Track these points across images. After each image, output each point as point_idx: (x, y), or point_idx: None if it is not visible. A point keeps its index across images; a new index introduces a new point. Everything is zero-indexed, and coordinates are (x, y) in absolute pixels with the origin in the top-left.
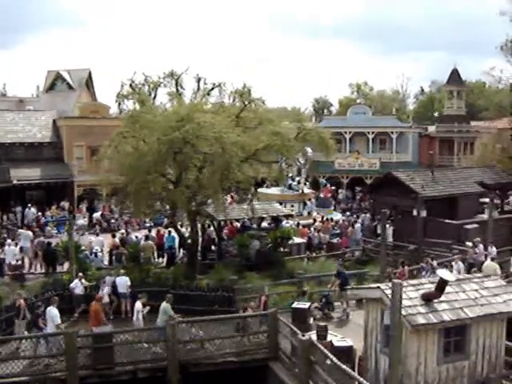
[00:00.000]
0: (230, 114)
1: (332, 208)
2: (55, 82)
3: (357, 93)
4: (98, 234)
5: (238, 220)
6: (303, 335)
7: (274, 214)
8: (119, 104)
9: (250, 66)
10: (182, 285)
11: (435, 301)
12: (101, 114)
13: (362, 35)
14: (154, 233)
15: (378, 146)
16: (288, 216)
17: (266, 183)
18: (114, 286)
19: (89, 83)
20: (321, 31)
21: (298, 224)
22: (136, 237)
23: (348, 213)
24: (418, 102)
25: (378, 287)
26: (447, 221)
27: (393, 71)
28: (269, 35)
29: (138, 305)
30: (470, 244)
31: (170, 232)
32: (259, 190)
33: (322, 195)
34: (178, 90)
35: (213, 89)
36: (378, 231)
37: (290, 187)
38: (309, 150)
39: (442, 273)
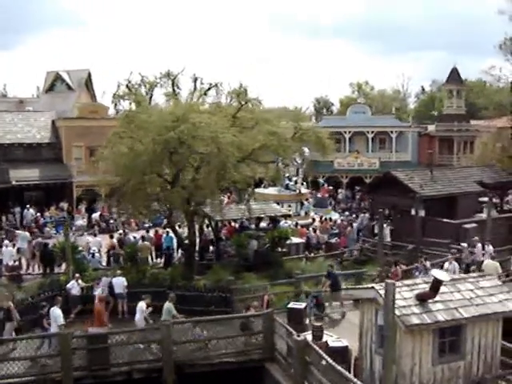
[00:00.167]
0: (226, 114)
1: (330, 208)
2: (55, 82)
3: (357, 92)
4: (95, 235)
5: (235, 220)
6: (298, 335)
7: (272, 214)
8: (115, 104)
9: (250, 66)
10: (179, 285)
11: (430, 301)
12: (100, 115)
13: (362, 35)
14: (152, 233)
15: (378, 146)
16: (286, 216)
17: (263, 183)
18: (110, 287)
19: (88, 84)
20: (321, 31)
21: (297, 224)
22: (134, 237)
23: (347, 212)
24: (419, 101)
25: (372, 287)
26: (446, 220)
27: (393, 71)
28: (269, 35)
29: (142, 305)
30: (465, 245)
31: (168, 232)
32: (256, 190)
33: (319, 195)
34: (174, 90)
35: (209, 89)
36: (376, 231)
37: (287, 187)
38: (306, 149)
39: (437, 273)
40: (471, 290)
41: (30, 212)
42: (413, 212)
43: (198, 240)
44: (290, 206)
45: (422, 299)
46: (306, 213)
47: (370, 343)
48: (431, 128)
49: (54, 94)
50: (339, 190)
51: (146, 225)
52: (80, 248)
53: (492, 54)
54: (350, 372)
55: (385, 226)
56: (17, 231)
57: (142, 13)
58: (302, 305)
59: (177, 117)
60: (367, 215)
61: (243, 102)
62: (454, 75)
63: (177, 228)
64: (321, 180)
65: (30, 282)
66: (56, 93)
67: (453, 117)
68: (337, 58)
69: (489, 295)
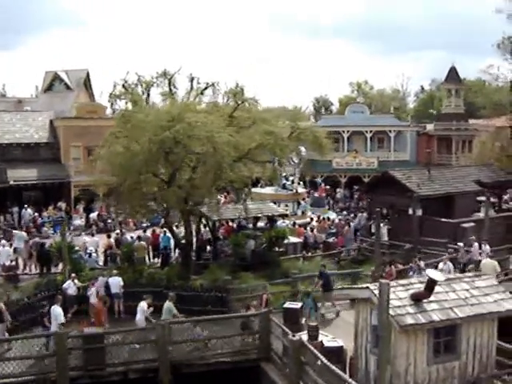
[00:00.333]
0: (223, 113)
1: (327, 207)
2: (53, 82)
3: (357, 92)
4: (93, 235)
5: (233, 220)
6: (293, 335)
7: (269, 214)
8: (111, 104)
9: (250, 66)
10: (175, 285)
11: (425, 301)
12: (98, 115)
13: (362, 35)
14: (149, 233)
15: (376, 145)
16: (284, 216)
17: (260, 183)
18: (107, 287)
19: (87, 83)
20: (321, 31)
21: (294, 223)
22: (131, 237)
23: (345, 212)
24: (418, 100)
25: (367, 287)
26: (444, 219)
27: (393, 71)
28: (269, 35)
29: (143, 305)
30: (461, 244)
31: (165, 232)
32: (253, 189)
33: (316, 194)
34: (170, 89)
35: (206, 88)
36: (373, 230)
37: (284, 187)
38: (302, 149)
39: (431, 273)
40: (466, 290)
41: (28, 212)
42: (410, 211)
43: (195, 240)
44: (286, 206)
45: (417, 299)
46: (302, 212)
47: (365, 343)
48: (430, 127)
49: (52, 94)
50: (337, 190)
51: (144, 224)
52: (77, 248)
53: (491, 53)
54: (345, 372)
55: (382, 225)
56: (14, 231)
57: (141, 13)
58: (297, 305)
59: (172, 116)
60: (365, 215)
61: (240, 102)
62: (453, 74)
63: (174, 228)
64: (318, 179)
65: (27, 282)
66: (54, 92)
67: (451, 116)
68: (337, 57)
69: (484, 295)
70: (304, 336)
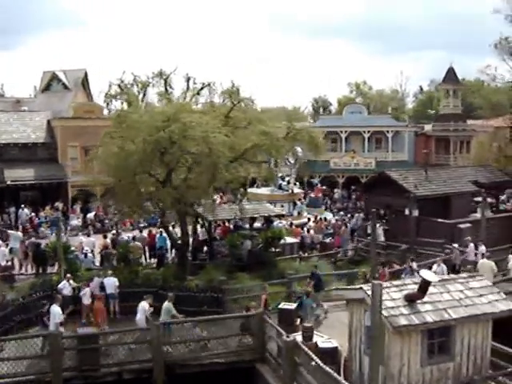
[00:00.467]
0: (219, 113)
1: (323, 208)
2: (51, 82)
3: (355, 92)
4: (89, 235)
5: (229, 220)
6: (288, 336)
7: (266, 214)
8: (107, 104)
9: (250, 66)
10: (171, 286)
11: (418, 302)
12: (95, 114)
13: (361, 35)
14: (145, 233)
15: (374, 146)
16: (281, 216)
17: (256, 183)
18: (102, 287)
19: (85, 83)
20: (321, 31)
21: (292, 224)
22: (128, 237)
23: (342, 212)
24: (417, 100)
25: (361, 288)
26: (440, 220)
27: (393, 71)
28: (269, 35)
29: (144, 305)
30: (456, 245)
31: (161, 232)
32: (249, 190)
33: (312, 195)
34: (166, 89)
35: (202, 88)
36: (369, 231)
37: (280, 187)
38: (299, 149)
39: (425, 273)
40: (461, 291)
41: (25, 212)
42: (406, 212)
43: (191, 240)
44: (282, 206)
45: (411, 300)
46: (298, 213)
47: (359, 344)
48: (428, 128)
49: (50, 94)
50: (335, 190)
51: (141, 225)
52: (73, 248)
53: (490, 53)
54: (339, 373)
55: (378, 225)
56: (9, 231)
57: (141, 13)
58: (292, 305)
59: (167, 116)
60: (362, 215)
61: (235, 102)
62: (451, 75)
63: (171, 228)
64: (314, 180)
65: (23, 283)
66: (52, 92)
67: (449, 116)
68: (337, 57)
69: (478, 296)
70: (299, 337)
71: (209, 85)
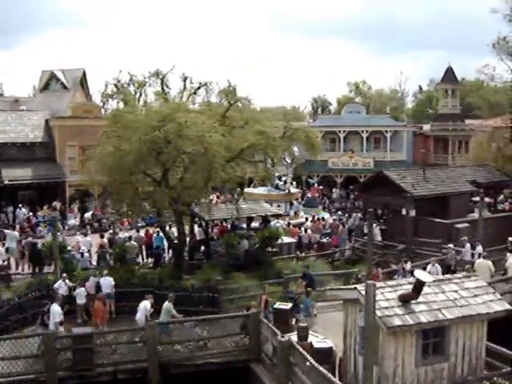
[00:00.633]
0: (216, 113)
1: (320, 207)
2: (49, 81)
3: (355, 92)
4: (85, 235)
5: (225, 220)
6: (283, 336)
7: (263, 214)
8: (103, 104)
9: (250, 66)
10: (166, 285)
11: (413, 302)
12: (93, 114)
13: (362, 35)
14: (142, 233)
15: (373, 145)
16: (279, 216)
17: (253, 183)
18: (98, 287)
19: (83, 83)
20: (321, 31)
21: (289, 224)
22: (125, 236)
23: (339, 212)
24: (417, 100)
25: (355, 288)
26: (438, 220)
27: (393, 70)
28: (269, 35)
29: (146, 304)
30: (451, 245)
31: (158, 232)
32: (246, 189)
33: (309, 195)
34: (163, 89)
35: (199, 88)
36: (365, 231)
37: (276, 187)
38: (295, 149)
39: (419, 274)
40: (455, 291)
41: (23, 211)
42: (404, 212)
43: (188, 239)
44: (279, 206)
45: (405, 300)
46: (295, 213)
47: (354, 344)
48: (426, 127)
49: (49, 93)
50: (334, 190)
51: (139, 224)
52: (69, 248)
53: (490, 52)
54: (334, 373)
55: (374, 225)
56: (6, 231)
57: (142, 13)
58: (288, 305)
59: (163, 116)
60: (359, 215)
61: (232, 102)
62: (449, 75)
63: (168, 228)
64: (310, 180)
65: (19, 282)
66: (51, 92)
67: (448, 116)
68: (337, 57)
69: (473, 296)
70: (294, 337)
71: (205, 84)
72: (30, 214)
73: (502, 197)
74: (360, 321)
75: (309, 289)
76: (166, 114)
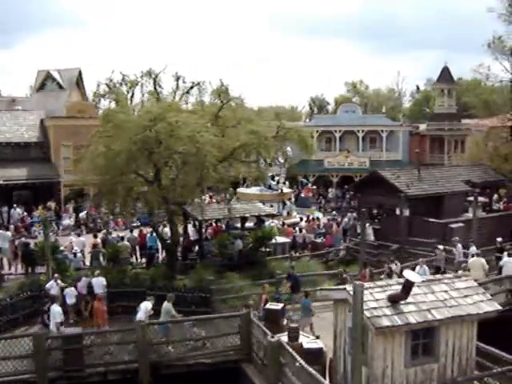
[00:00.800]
0: (208, 112)
1: (313, 207)
2: (45, 81)
3: (352, 91)
4: (79, 235)
5: (219, 220)
6: (272, 336)
7: (256, 214)
8: (96, 103)
9: (250, 66)
10: (159, 286)
11: (402, 302)
12: (88, 114)
13: (361, 35)
14: (136, 233)
15: (368, 145)
16: (273, 216)
17: (246, 182)
18: (90, 287)
19: (79, 82)
20: (321, 31)
21: (284, 223)
22: (118, 236)
23: (334, 212)
24: (414, 100)
25: (344, 288)
26: (432, 220)
27: (392, 70)
28: (269, 35)
29: (147, 304)
30: (441, 247)
31: (152, 232)
32: (238, 189)
33: (302, 194)
34: (155, 88)
35: (192, 87)
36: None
37: (269, 187)
38: (288, 149)
39: (408, 274)
40: (445, 292)
41: (17, 211)
42: (398, 211)
43: (182, 239)
44: (271, 206)
45: (394, 300)
46: (288, 213)
47: (344, 345)
48: (422, 127)
49: (45, 93)
50: (329, 190)
51: (134, 224)
52: (62, 248)
53: (485, 52)
54: (324, 374)
55: (367, 225)
56: None
57: (142, 13)
58: (279, 305)
59: (154, 116)
60: (354, 214)
61: (225, 101)
62: (445, 74)
63: (162, 228)
64: (303, 179)
65: (12, 283)
66: (47, 92)
67: (444, 116)
68: (337, 57)
69: (463, 296)
70: (285, 337)
71: (198, 84)
72: (25, 213)
73: (495, 196)
74: (348, 321)
75: (306, 289)
76: (157, 114)
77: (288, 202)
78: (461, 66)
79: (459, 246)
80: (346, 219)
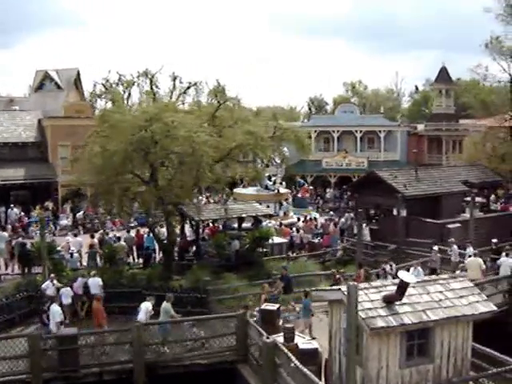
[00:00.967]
0: (205, 113)
1: (310, 208)
2: (43, 81)
3: (351, 91)
4: (76, 235)
5: (216, 220)
6: (268, 337)
7: (253, 214)
8: (92, 103)
9: (250, 66)
10: (155, 286)
11: (397, 303)
12: (86, 114)
13: (361, 35)
14: (133, 233)
15: (366, 145)
16: (270, 216)
17: (243, 183)
18: (86, 287)
19: (77, 83)
20: (321, 31)
21: (281, 224)
22: (114, 236)
23: (331, 212)
24: (413, 100)
25: (339, 289)
26: (429, 220)
27: (392, 70)
28: (269, 35)
29: (148, 305)
30: (436, 248)
31: (149, 233)
32: (235, 190)
33: (299, 195)
34: (152, 88)
35: (189, 88)
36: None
37: (266, 187)
38: (285, 149)
39: (403, 275)
40: (441, 292)
41: (14, 211)
42: (395, 212)
43: (179, 240)
44: (268, 206)
45: (389, 301)
46: (284, 213)
47: (339, 345)
48: (420, 127)
49: (43, 93)
50: (327, 190)
51: (132, 224)
52: (59, 248)
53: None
54: (320, 374)
55: (364, 225)
56: None
57: (142, 13)
58: (274, 306)
59: (150, 116)
60: (351, 215)
61: (221, 101)
62: (443, 74)
63: (159, 228)
64: (300, 180)
65: (8, 283)
66: (45, 92)
67: (442, 116)
68: (337, 57)
69: (458, 297)
70: (280, 338)
71: (195, 84)
72: (22, 213)
73: (493, 197)
74: (342, 322)
75: (306, 289)
76: (152, 114)
77: (284, 203)
78: (460, 67)
79: (455, 247)
80: (342, 219)
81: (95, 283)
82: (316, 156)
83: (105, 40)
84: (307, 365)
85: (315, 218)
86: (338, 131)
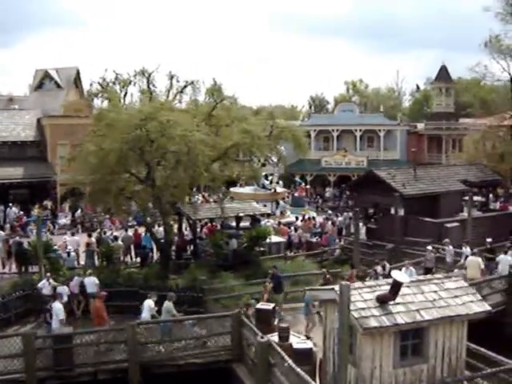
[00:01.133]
0: (202, 112)
1: (307, 207)
2: (43, 80)
3: (352, 90)
4: (73, 234)
5: (213, 219)
6: (262, 337)
7: (251, 213)
8: (89, 102)
9: (250, 66)
10: (151, 285)
11: (391, 303)
12: (85, 113)
13: (362, 34)
14: (131, 232)
15: (366, 144)
16: (269, 215)
17: (239, 182)
18: (82, 286)
19: (77, 81)
20: (321, 30)
21: (279, 223)
22: (111, 235)
23: (330, 211)
24: (414, 99)
25: (333, 288)
26: (427, 219)
27: (393, 69)
28: (269, 35)
29: (150, 303)
30: (430, 248)
31: (146, 232)
32: (232, 189)
33: (296, 194)
34: (149, 87)
35: (186, 87)
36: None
37: (263, 186)
38: (282, 148)
39: (396, 274)
40: (435, 292)
41: (13, 210)
42: (392, 211)
43: (176, 239)
44: (265, 206)
45: (383, 301)
46: (281, 212)
47: (333, 345)
48: (420, 126)
49: (42, 92)
50: (327, 189)
51: (130, 223)
52: (55, 247)
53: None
54: (315, 374)
55: (361, 225)
56: None
57: (143, 13)
58: (270, 305)
59: (145, 115)
60: (350, 214)
61: (218, 100)
62: (443, 73)
63: (157, 227)
64: (297, 179)
65: (5, 282)
66: (45, 91)
67: (442, 115)
68: (337, 57)
69: (453, 297)
70: (275, 337)
71: (192, 83)
72: (21, 212)
73: (492, 196)
74: (335, 322)
75: (304, 288)
76: (148, 113)
77: (281, 202)
78: (461, 65)
79: (450, 247)
80: (340, 218)
81: (91, 282)
82: (315, 155)
83: (104, 40)
84: (302, 364)
85: (313, 218)
86: (337, 130)
